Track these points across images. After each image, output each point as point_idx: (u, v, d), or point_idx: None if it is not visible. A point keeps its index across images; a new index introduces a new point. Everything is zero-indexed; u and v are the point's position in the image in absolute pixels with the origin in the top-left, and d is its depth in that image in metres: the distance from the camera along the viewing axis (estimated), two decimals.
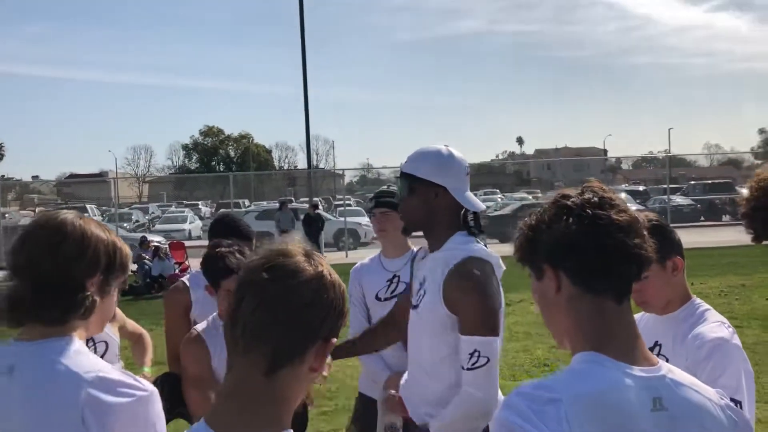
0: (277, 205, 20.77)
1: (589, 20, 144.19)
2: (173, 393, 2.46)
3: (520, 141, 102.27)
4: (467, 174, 2.27)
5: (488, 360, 2.04)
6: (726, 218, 27.82)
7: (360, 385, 3.19)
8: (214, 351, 2.45)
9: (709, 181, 33.14)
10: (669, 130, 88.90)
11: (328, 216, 22.44)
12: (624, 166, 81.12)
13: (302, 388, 1.13)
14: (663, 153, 64.67)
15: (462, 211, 2.22)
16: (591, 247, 1.15)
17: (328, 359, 1.14)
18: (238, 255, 2.47)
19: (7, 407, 1.36)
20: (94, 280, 1.45)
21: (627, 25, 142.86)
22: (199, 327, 2.53)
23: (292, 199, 38.08)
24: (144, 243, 15.74)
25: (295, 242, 1.16)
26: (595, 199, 1.19)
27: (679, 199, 28.39)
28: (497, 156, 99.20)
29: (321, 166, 73.49)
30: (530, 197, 35.18)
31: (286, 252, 1.13)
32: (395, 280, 3.01)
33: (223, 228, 3.14)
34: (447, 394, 2.14)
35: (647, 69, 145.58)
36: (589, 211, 1.17)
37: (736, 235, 16.87)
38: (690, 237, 18.99)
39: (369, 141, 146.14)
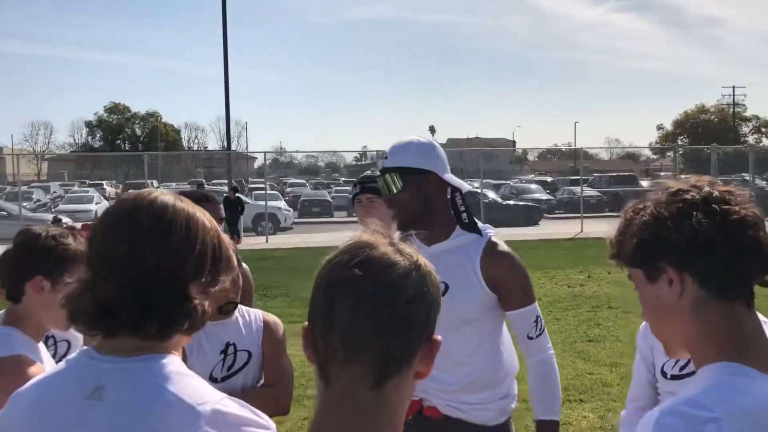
0: (189, 187, 20.06)
1: (500, 13, 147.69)
2: None
3: (432, 130, 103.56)
4: (446, 158, 2.27)
5: (543, 321, 2.22)
6: None
7: (317, 387, 3.02)
8: (190, 351, 2.22)
9: (614, 174, 34.70)
10: (575, 123, 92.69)
11: (246, 200, 21.88)
12: (531, 157, 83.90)
13: (408, 397, 0.97)
14: (567, 146, 67.27)
15: (450, 197, 2.22)
16: (726, 247, 1.04)
17: None
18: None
19: None
20: (200, 283, 1.13)
21: (536, 20, 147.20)
22: None
23: (203, 181, 37.00)
24: (57, 224, 14.78)
25: (372, 230, 0.98)
26: (716, 193, 1.08)
27: (587, 191, 29.60)
28: None
29: (233, 148, 71.89)
30: None
31: (371, 243, 0.96)
32: None
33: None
34: (471, 379, 2.17)
35: (554, 64, 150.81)
36: (716, 206, 1.06)
37: None
38: (599, 227, 19.85)
39: (281, 124, 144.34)
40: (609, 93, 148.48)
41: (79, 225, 16.04)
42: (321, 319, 0.94)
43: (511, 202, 25.23)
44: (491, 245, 2.18)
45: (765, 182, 24.87)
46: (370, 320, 0.91)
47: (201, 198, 2.91)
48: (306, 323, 0.97)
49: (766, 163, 23.08)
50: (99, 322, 1.10)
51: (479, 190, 21.81)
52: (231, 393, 2.16)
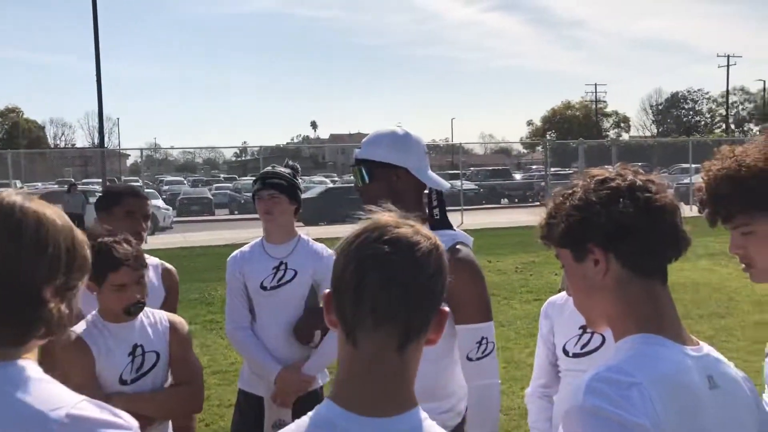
0: (56, 186, 18.89)
1: (380, 10, 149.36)
2: None
3: (314, 125, 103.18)
4: (426, 153, 2.21)
5: (494, 345, 2.03)
6: (504, 201, 30.64)
7: (240, 380, 3.01)
8: (98, 354, 2.17)
9: (490, 168, 36.18)
10: (452, 119, 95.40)
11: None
12: None
13: (419, 361, 1.10)
14: (445, 141, 69.15)
15: (425, 194, 2.16)
16: (647, 230, 1.17)
17: None
18: (126, 244, 2.19)
19: None
20: (54, 286, 1.08)
21: (415, 17, 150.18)
22: (78, 328, 2.21)
23: (73, 179, 34.88)
24: None
25: (390, 214, 1.10)
26: (639, 182, 1.20)
27: (465, 184, 30.65)
28: (292, 139, 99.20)
29: (104, 144, 68.10)
30: (328, 181, 35.75)
31: (393, 223, 1.08)
32: (282, 267, 2.86)
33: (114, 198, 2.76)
34: (430, 386, 2.03)
35: (432, 61, 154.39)
36: (640, 194, 1.18)
37: (517, 216, 18.78)
38: (478, 219, 20.67)
39: (156, 120, 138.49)
40: (483, 90, 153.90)
41: None
42: (351, 290, 1.04)
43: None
44: (452, 251, 2.02)
45: None
46: (399, 292, 1.03)
47: (128, 193, 2.80)
48: (329, 290, 1.08)
49: (627, 156, 24.92)
50: None
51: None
52: (142, 394, 2.16)
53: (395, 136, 2.17)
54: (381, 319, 1.03)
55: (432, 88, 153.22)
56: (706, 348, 1.21)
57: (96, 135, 24.91)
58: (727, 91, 64.51)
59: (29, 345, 1.10)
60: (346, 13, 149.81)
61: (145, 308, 2.35)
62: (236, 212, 28.34)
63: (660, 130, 73.21)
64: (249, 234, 10.36)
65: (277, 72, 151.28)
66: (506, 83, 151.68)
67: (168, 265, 2.91)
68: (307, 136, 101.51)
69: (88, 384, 2.11)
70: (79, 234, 1.17)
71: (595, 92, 72.72)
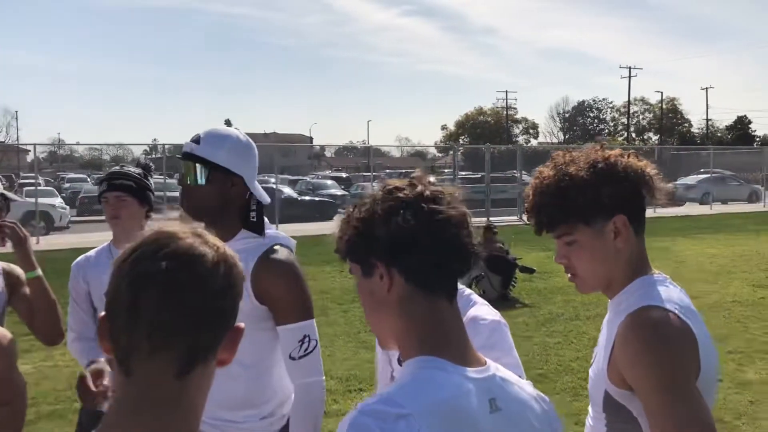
0: None
1: (296, 10, 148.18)
2: None
3: (228, 123, 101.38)
4: (257, 164, 2.14)
5: (317, 342, 2.03)
6: None
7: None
8: None
9: (403, 170, 36.50)
10: (368, 122, 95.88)
11: (14, 197, 19.70)
12: (328, 153, 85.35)
13: (209, 385, 1.00)
14: (362, 143, 69.43)
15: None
16: (429, 244, 1.09)
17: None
18: None
19: None
20: None
21: (332, 19, 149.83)
22: None
23: None
24: None
25: (175, 221, 1.00)
26: (428, 192, 1.13)
27: (377, 186, 30.75)
28: None
29: (1, 139, 64.39)
30: None
31: (177, 234, 0.96)
32: None
33: None
34: (230, 395, 2.01)
35: (349, 63, 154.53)
36: (425, 205, 1.11)
37: None
38: None
39: (61, 114, 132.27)
40: (400, 93, 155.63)
41: None
42: (124, 312, 0.92)
43: (307, 198, 25.47)
44: (268, 252, 2.03)
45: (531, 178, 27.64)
46: (179, 313, 0.92)
47: None
48: (103, 314, 0.96)
49: (532, 161, 25.64)
50: None
51: (275, 186, 21.70)
52: None
53: (239, 142, 2.09)
54: (159, 343, 0.92)
55: (348, 90, 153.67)
56: (493, 368, 1.15)
57: None
58: (629, 100, 67.86)
59: None
60: (260, 11, 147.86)
61: None
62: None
63: (567, 137, 76.08)
64: None
65: (191, 68, 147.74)
66: (422, 87, 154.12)
67: (11, 266, 2.73)
68: None
69: None
70: None
71: (506, 99, 74.96)
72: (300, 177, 37.04)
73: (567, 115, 78.15)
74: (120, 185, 2.68)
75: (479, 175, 26.16)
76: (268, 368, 2.09)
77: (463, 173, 30.66)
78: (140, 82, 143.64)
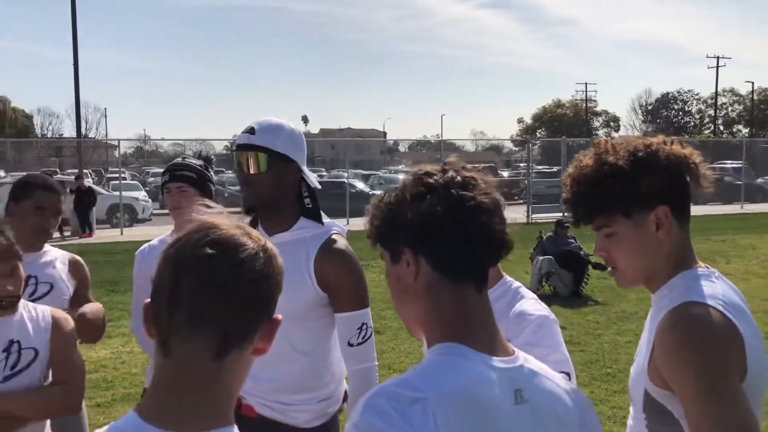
0: None
1: (371, 6, 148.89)
2: None
3: (305, 119, 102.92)
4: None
5: (372, 330, 2.12)
6: None
7: (147, 379, 2.92)
8: None
9: (477, 165, 36.03)
10: (442, 116, 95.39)
11: (101, 190, 20.69)
12: (401, 148, 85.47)
13: (245, 374, 1.04)
14: (436, 137, 69.16)
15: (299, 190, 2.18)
16: (456, 231, 1.07)
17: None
18: None
19: None
20: None
21: (406, 14, 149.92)
22: None
23: (57, 170, 34.58)
24: None
25: (222, 214, 1.04)
26: (459, 178, 1.11)
27: None
28: None
29: (91, 135, 67.68)
30: (316, 176, 35.57)
31: (220, 225, 1.01)
32: None
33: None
34: (290, 379, 2.08)
35: (423, 57, 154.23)
36: (454, 191, 1.09)
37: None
38: None
39: (146, 111, 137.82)
40: (474, 87, 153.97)
41: None
42: (167, 293, 0.97)
43: (379, 192, 25.58)
44: (329, 242, 2.10)
45: None
46: (216, 297, 0.96)
47: (40, 186, 2.72)
48: (148, 300, 1.01)
49: None
50: None
51: (347, 180, 21.93)
52: (15, 393, 2.07)
53: (292, 131, 2.16)
54: (197, 325, 0.96)
55: (422, 83, 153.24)
56: (522, 359, 1.12)
57: (83, 125, 24.80)
58: (716, 92, 64.69)
59: None
60: (337, 8, 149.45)
61: (28, 304, 2.25)
62: (221, 205, 28.17)
63: (650, 129, 73.35)
64: None
65: (268, 66, 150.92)
66: (498, 80, 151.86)
67: (76, 258, 2.87)
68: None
69: None
70: None
71: (585, 91, 72.83)
72: (373, 172, 37.27)
73: (650, 108, 75.34)
74: (181, 176, 2.76)
75: (555, 169, 25.59)
76: (325, 353, 2.14)
77: (539, 167, 30.06)
78: (220, 80, 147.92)
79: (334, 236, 2.13)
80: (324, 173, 41.94)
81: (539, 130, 70.69)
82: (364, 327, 2.08)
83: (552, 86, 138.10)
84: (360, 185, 25.28)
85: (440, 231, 1.08)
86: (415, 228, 1.09)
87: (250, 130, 2.12)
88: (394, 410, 0.98)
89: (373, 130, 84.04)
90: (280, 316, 1.04)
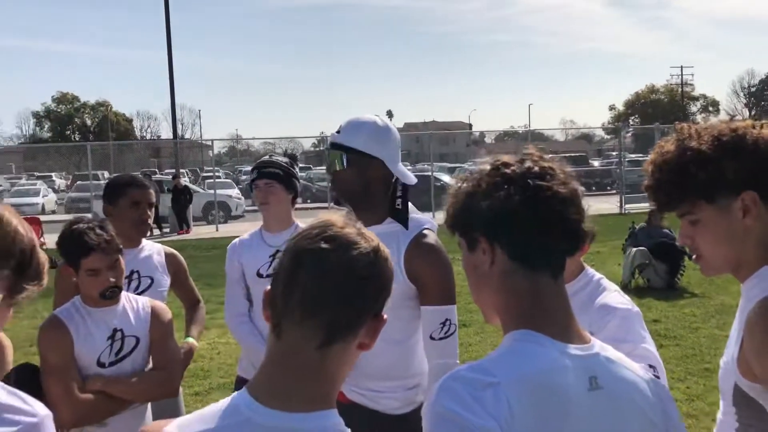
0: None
1: None
2: (30, 386, 2.22)
3: (390, 114, 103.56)
4: (399, 146, 2.25)
5: (456, 327, 2.12)
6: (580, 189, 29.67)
7: (239, 367, 3.05)
8: (77, 336, 2.23)
9: (566, 155, 35.18)
10: (529, 105, 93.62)
11: (196, 188, 21.60)
12: (487, 139, 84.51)
13: (350, 365, 1.09)
14: (523, 128, 67.90)
15: (392, 185, 2.20)
16: (532, 221, 1.09)
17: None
18: (98, 230, 2.24)
19: None
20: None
21: (489, 3, 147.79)
22: (59, 310, 2.29)
23: (156, 170, 36.29)
24: None
25: (340, 214, 1.11)
26: (537, 168, 1.12)
27: None
28: None
29: (187, 136, 70.68)
30: None
31: (339, 223, 1.08)
32: (278, 255, 2.86)
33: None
34: (380, 367, 2.10)
35: (508, 47, 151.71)
36: (531, 181, 1.10)
37: (590, 204, 17.94)
38: None
39: (237, 111, 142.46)
40: (562, 75, 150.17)
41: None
42: (283, 281, 1.05)
43: (455, 181, 25.42)
44: (419, 237, 2.13)
45: None
46: (327, 289, 1.03)
47: (131, 184, 2.91)
48: (269, 287, 1.08)
49: None
50: None
51: (431, 173, 21.93)
52: (119, 377, 2.22)
53: (375, 127, 2.19)
54: (307, 312, 1.03)
55: (508, 73, 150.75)
56: (598, 347, 1.12)
57: (179, 126, 26.06)
58: None
59: None
60: (417, 1, 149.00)
61: (129, 294, 2.41)
62: (309, 201, 28.86)
63: (753, 113, 69.27)
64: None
65: (353, 61, 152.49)
66: (586, 67, 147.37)
67: (171, 250, 3.06)
68: None
69: (64, 365, 2.18)
70: (42, 252, 1.30)
71: (681, 75, 69.59)
72: (459, 164, 37.05)
73: (753, 90, 71.14)
74: (268, 173, 2.88)
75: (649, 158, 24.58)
76: (414, 343, 2.17)
77: (632, 155, 29.00)
78: (306, 78, 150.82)
79: (425, 231, 2.15)
80: (409, 167, 42.06)
81: (632, 117, 68.19)
82: (448, 323, 2.09)
83: (645, 71, 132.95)
84: (445, 178, 25.15)
85: (515, 221, 1.09)
86: (491, 217, 1.11)
87: (338, 130, 2.21)
88: (467, 394, 1.00)
89: (458, 122, 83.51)
90: (386, 316, 1.09)
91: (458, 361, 2.12)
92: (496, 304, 1.15)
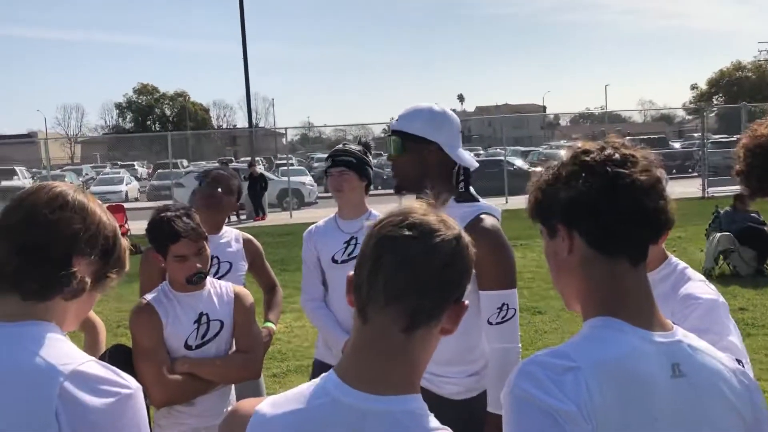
0: (218, 165, 20.20)
1: None
2: (122, 366, 2.33)
3: (461, 98, 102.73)
4: (459, 131, 2.27)
5: (515, 311, 2.11)
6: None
7: (316, 351, 3.12)
8: (166, 320, 2.33)
9: (644, 137, 33.98)
10: (606, 86, 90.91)
11: (271, 176, 22.06)
12: (562, 122, 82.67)
13: (432, 350, 1.11)
14: (600, 109, 66.01)
15: (454, 170, 2.22)
16: (609, 209, 1.09)
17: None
18: (186, 218, 2.34)
19: None
20: (84, 261, 1.26)
21: None
22: (148, 296, 2.40)
23: (233, 158, 37.25)
24: None
25: (421, 203, 1.13)
26: (617, 156, 1.11)
27: None
28: None
29: (261, 124, 72.19)
30: (472, 154, 35.36)
31: (421, 211, 1.11)
32: (352, 242, 2.92)
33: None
34: (440, 351, 2.10)
35: (582, 26, 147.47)
36: (610, 169, 1.10)
37: (671, 188, 17.31)
38: None
39: (309, 99, 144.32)
40: (640, 53, 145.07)
41: (105, 206, 16.43)
42: (369, 266, 1.08)
43: (539, 170, 24.96)
44: (476, 221, 2.13)
45: None
46: (410, 275, 1.05)
47: (217, 177, 3.07)
48: (351, 272, 1.12)
49: None
50: None
51: (504, 158, 21.64)
52: (205, 359, 2.32)
53: (432, 112, 2.22)
54: (391, 297, 1.06)
55: (583, 54, 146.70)
56: (681, 335, 1.10)
57: (253, 115, 26.72)
58: None
59: (53, 304, 1.24)
60: None
61: (213, 279, 2.50)
62: (380, 187, 29.02)
63: None
64: (386, 209, 10.54)
65: (423, 46, 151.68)
66: (667, 45, 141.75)
67: (248, 236, 3.20)
68: (454, 109, 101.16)
69: (155, 347, 2.29)
70: (123, 240, 1.37)
71: None
72: (533, 148, 36.43)
73: None
74: (342, 161, 2.92)
75: (734, 138, 23.50)
76: (474, 329, 2.18)
77: (716, 137, 27.77)
78: (376, 64, 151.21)
79: (482, 215, 2.16)
80: (481, 151, 41.64)
81: (716, 97, 65.12)
82: (505, 307, 2.08)
83: (730, 47, 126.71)
84: (518, 162, 24.79)
85: (593, 209, 1.10)
86: (569, 205, 1.11)
87: (396, 118, 2.26)
88: (547, 378, 1.01)
89: (531, 105, 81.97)
90: (467, 302, 1.11)
91: (519, 345, 2.13)
92: (576, 291, 1.16)
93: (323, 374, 1.10)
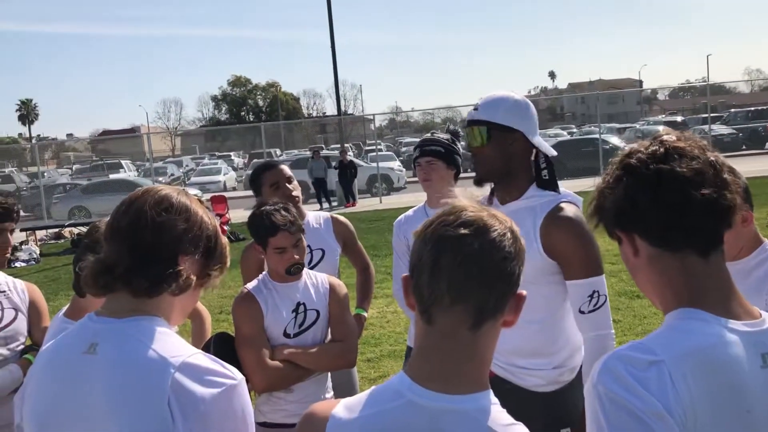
0: (309, 153, 20.65)
1: None
2: (226, 353, 2.47)
3: (552, 75, 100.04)
4: (537, 119, 2.25)
5: (606, 298, 2.08)
6: None
7: (408, 338, 3.17)
8: (266, 310, 2.43)
9: (752, 108, 32.00)
10: (707, 56, 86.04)
11: (360, 162, 22.33)
12: (660, 96, 79.06)
13: (496, 342, 1.13)
14: (701, 81, 62.64)
15: (533, 158, 2.21)
16: (655, 206, 1.10)
17: None
18: (284, 212, 2.43)
19: (90, 388, 1.25)
20: (189, 259, 1.35)
21: None
22: (249, 285, 2.51)
23: (323, 146, 37.94)
24: None
25: (468, 198, 1.15)
26: (662, 150, 1.12)
27: (719, 128, 27.50)
28: (529, 92, 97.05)
29: (350, 111, 73.04)
30: (565, 133, 34.50)
31: (470, 208, 1.12)
32: None
33: None
34: (524, 343, 2.12)
35: None
36: (652, 166, 1.11)
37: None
38: (734, 167, 18.28)
39: (396, 84, 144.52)
40: (746, 19, 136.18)
41: (207, 196, 17.24)
42: (428, 269, 1.09)
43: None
44: (556, 210, 2.11)
45: None
46: (471, 273, 1.07)
47: (264, 167, 3.11)
48: (406, 274, 1.14)
49: None
50: (98, 278, 1.32)
51: (598, 137, 20.97)
52: (302, 348, 2.41)
53: (514, 101, 2.20)
54: (456, 297, 1.07)
55: (681, 23, 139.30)
56: None
57: (342, 102, 27.11)
58: None
59: (164, 302, 1.34)
60: None
61: (308, 271, 2.59)
62: (469, 171, 28.74)
63: None
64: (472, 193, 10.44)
65: (512, 24, 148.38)
66: None
67: (337, 216, 3.25)
68: (545, 87, 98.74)
69: (256, 335, 2.40)
70: (224, 239, 1.44)
71: None
72: (629, 125, 35.08)
73: None
74: (430, 151, 2.93)
75: None
76: (558, 320, 2.17)
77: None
78: (463, 46, 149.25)
79: (562, 204, 2.13)
80: (574, 129, 40.42)
81: None
82: (596, 294, 2.05)
83: None
84: (614, 140, 23.90)
85: (640, 210, 1.11)
86: (618, 211, 1.14)
87: (475, 107, 2.22)
88: (630, 375, 1.01)
89: (627, 79, 78.79)
90: (524, 292, 1.12)
91: (613, 332, 2.10)
92: (653, 289, 1.17)
93: (393, 376, 1.12)
